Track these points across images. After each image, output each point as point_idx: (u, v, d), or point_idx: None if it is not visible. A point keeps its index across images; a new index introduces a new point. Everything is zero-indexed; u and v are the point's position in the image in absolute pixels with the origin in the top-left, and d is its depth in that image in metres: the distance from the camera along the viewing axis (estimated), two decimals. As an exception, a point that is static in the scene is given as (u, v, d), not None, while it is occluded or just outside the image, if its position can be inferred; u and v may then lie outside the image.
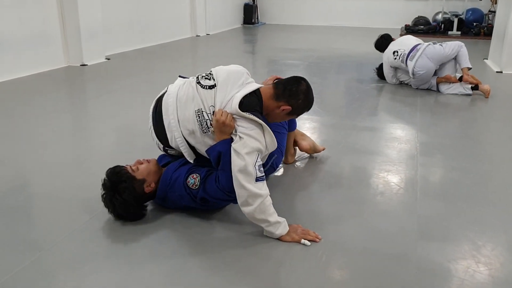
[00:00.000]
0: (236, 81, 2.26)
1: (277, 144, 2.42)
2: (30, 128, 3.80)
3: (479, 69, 6.27)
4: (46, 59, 6.07)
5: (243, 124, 2.14)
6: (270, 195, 2.12)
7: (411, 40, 5.27)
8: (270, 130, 2.17)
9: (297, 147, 3.11)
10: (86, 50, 6.42)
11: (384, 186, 2.77)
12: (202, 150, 2.28)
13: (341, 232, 2.25)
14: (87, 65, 6.39)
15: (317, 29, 11.94)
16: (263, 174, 2.11)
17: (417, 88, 5.23)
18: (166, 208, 2.40)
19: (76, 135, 3.82)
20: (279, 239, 2.14)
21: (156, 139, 2.40)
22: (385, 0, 12.14)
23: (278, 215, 2.16)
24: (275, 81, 2.40)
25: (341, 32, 11.30)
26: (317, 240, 2.15)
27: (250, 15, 12.75)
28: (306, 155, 3.21)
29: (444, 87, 5.09)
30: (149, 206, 2.43)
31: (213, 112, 2.20)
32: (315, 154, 3.20)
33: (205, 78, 2.30)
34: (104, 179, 2.27)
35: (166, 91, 2.42)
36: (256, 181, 2.06)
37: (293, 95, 2.23)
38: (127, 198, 2.21)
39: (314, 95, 2.37)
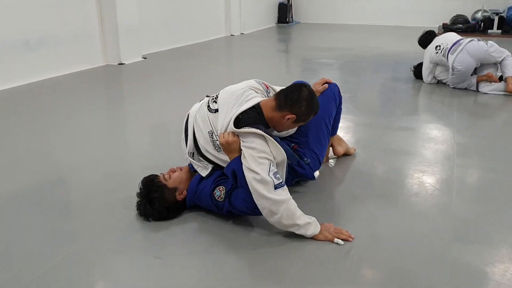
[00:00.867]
0: (236, 101, 2.26)
1: (317, 154, 2.50)
2: (69, 125, 3.92)
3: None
4: (85, 58, 6.23)
5: (244, 139, 2.16)
6: (300, 196, 2.12)
7: (454, 36, 5.19)
8: (273, 140, 2.16)
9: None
10: (124, 49, 6.55)
11: (419, 186, 2.73)
12: (222, 165, 2.33)
13: (374, 232, 2.23)
14: (124, 64, 6.53)
15: (353, 27, 11.82)
16: (281, 180, 2.10)
17: (454, 88, 5.12)
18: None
19: (113, 132, 3.91)
20: (312, 238, 2.14)
21: (185, 149, 2.45)
22: (423, -2, 11.92)
23: (310, 215, 2.16)
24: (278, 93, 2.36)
25: (377, 31, 11.15)
26: (350, 239, 2.13)
27: (284, 14, 12.74)
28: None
29: (485, 86, 4.95)
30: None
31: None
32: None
33: (213, 101, 2.35)
34: (139, 187, 2.34)
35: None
36: (275, 188, 2.05)
37: (295, 103, 2.22)
38: (158, 208, 2.27)
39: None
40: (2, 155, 3.27)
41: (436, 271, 1.93)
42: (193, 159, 2.41)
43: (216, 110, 2.29)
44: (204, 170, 2.37)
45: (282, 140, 2.43)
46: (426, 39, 5.42)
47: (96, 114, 4.29)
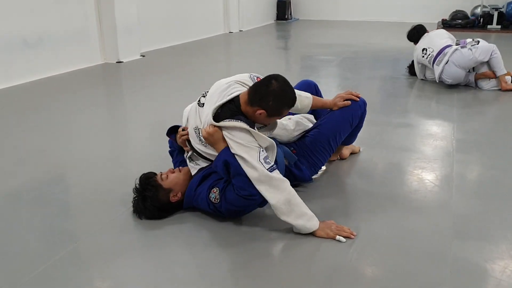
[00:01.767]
0: (219, 95, 2.23)
1: (314, 162, 2.47)
2: (68, 123, 3.91)
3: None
4: (84, 56, 6.21)
5: (227, 132, 2.15)
6: (299, 194, 2.12)
7: (442, 39, 5.05)
8: (253, 130, 2.14)
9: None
10: (122, 47, 6.53)
11: (419, 183, 2.72)
12: (212, 159, 2.31)
13: (374, 229, 2.22)
14: (123, 62, 6.51)
15: (352, 24, 11.79)
16: (272, 164, 2.10)
17: (453, 84, 5.09)
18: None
19: (112, 130, 3.90)
20: (314, 234, 2.12)
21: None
22: (421, -6, 11.89)
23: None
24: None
25: (377, 27, 11.13)
26: (352, 236, 2.12)
27: (283, 11, 12.70)
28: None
29: (484, 83, 4.93)
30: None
31: None
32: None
33: (203, 96, 2.34)
34: (136, 183, 2.33)
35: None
36: (271, 171, 2.07)
37: (263, 98, 2.14)
38: (149, 207, 2.26)
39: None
40: (1, 153, 3.27)
41: (435, 268, 1.92)
42: (191, 157, 2.41)
43: (204, 105, 2.29)
44: (193, 170, 2.38)
45: (280, 144, 2.41)
46: (414, 34, 5.35)
47: (95, 113, 4.28)
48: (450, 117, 4.03)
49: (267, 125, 2.37)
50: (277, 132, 2.48)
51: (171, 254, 2.04)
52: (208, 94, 2.31)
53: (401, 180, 2.78)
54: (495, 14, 10.13)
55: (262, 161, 2.08)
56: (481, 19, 10.44)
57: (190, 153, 2.43)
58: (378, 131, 3.64)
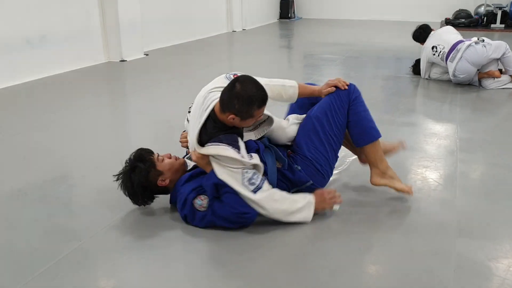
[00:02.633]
0: (199, 111, 2.20)
1: (311, 161, 2.37)
2: (72, 122, 3.92)
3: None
4: (87, 55, 6.22)
5: (211, 156, 2.14)
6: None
7: (451, 35, 5.08)
8: (237, 156, 2.09)
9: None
10: (125, 46, 6.54)
11: (422, 182, 2.72)
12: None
13: (378, 227, 2.22)
14: (126, 60, 6.52)
15: (356, 23, 11.77)
16: (256, 184, 2.10)
17: (457, 83, 5.09)
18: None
19: (116, 128, 3.91)
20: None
21: None
22: (425, -8, 11.86)
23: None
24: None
25: (380, 26, 11.11)
26: (340, 199, 2.28)
27: (286, 9, 12.69)
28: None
29: (487, 83, 4.92)
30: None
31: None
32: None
33: (188, 112, 2.36)
34: (131, 155, 2.31)
35: None
36: (255, 192, 2.09)
37: (229, 103, 2.09)
38: (135, 180, 2.23)
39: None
40: (5, 152, 3.28)
41: (440, 267, 1.92)
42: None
43: (190, 122, 2.32)
44: (189, 166, 2.41)
45: (278, 147, 2.39)
46: (420, 34, 5.35)
47: (98, 111, 4.28)
48: (454, 116, 4.02)
49: (263, 122, 2.35)
50: (275, 133, 2.43)
51: (175, 254, 2.05)
52: (192, 110, 2.31)
53: (404, 179, 2.77)
54: (499, 13, 10.10)
55: (247, 183, 2.08)
56: (485, 18, 10.41)
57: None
58: (382, 130, 3.61)
